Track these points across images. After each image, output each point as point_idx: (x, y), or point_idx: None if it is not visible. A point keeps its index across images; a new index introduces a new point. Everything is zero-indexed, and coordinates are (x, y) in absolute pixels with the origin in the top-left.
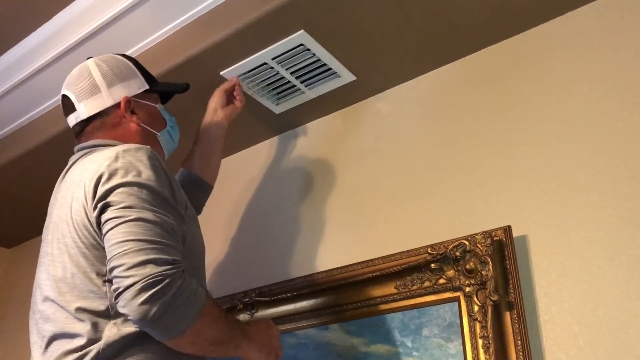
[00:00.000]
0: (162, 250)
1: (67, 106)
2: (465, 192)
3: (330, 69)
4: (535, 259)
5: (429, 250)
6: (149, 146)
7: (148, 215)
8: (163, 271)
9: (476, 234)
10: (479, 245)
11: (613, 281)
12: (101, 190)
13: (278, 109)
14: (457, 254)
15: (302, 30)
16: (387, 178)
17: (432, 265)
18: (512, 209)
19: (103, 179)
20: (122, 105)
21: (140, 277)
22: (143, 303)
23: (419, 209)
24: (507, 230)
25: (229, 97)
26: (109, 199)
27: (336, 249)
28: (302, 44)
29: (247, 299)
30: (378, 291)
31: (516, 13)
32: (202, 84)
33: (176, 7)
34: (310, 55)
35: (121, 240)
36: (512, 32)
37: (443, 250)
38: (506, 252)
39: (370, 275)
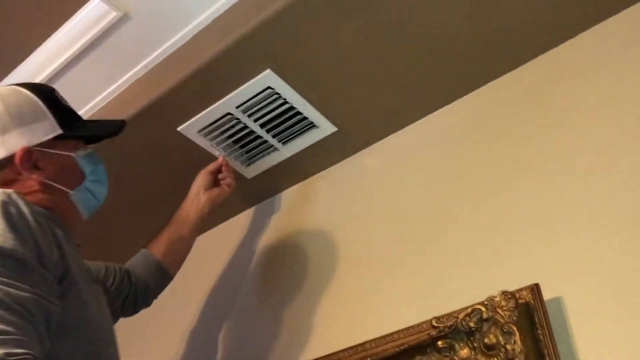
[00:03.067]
0: None
1: None
2: (474, 250)
3: (306, 118)
4: (576, 327)
5: (434, 323)
6: (11, 190)
7: None
8: None
9: (494, 296)
10: (499, 311)
11: None
12: None
13: (249, 172)
14: (471, 324)
15: (268, 70)
16: (378, 244)
17: (439, 342)
18: (537, 264)
19: None
20: (18, 159)
21: None
22: None
23: (419, 276)
24: (535, 289)
25: (216, 180)
26: None
27: (321, 333)
28: (269, 87)
29: None
30: None
31: (511, 47)
32: (158, 143)
33: (121, 61)
34: (281, 102)
35: None
36: (513, 65)
37: (452, 321)
38: (536, 318)
39: None
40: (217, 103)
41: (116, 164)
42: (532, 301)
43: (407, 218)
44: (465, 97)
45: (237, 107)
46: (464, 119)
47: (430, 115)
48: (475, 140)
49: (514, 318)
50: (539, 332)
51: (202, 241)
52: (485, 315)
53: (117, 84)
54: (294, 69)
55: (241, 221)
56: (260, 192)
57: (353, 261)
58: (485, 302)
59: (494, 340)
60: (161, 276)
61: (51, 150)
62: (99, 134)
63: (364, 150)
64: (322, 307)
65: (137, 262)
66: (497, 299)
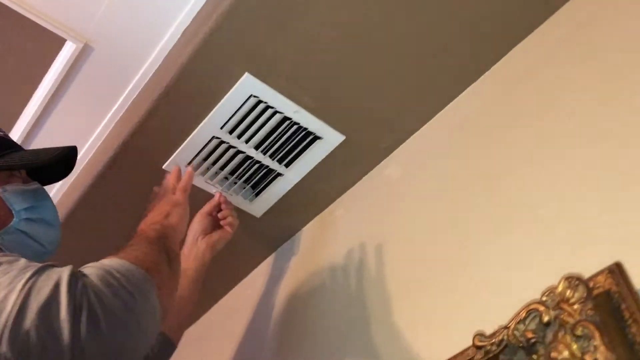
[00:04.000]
0: None
1: None
2: (525, 245)
3: (305, 128)
4: None
5: (477, 342)
6: None
7: None
8: None
9: (554, 287)
10: (565, 307)
11: None
12: None
13: (257, 209)
14: (529, 334)
15: (245, 74)
16: (414, 266)
17: None
18: (613, 242)
19: None
20: None
21: None
22: None
23: (462, 295)
24: (617, 271)
25: (216, 221)
26: None
27: None
28: (252, 96)
29: None
30: None
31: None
32: (145, 187)
33: (97, 101)
34: (271, 112)
35: None
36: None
37: (502, 334)
38: (625, 312)
39: None
40: (198, 127)
41: (100, 216)
42: (614, 287)
43: (445, 225)
44: (495, 67)
45: (221, 128)
46: (492, 94)
47: (459, 97)
48: (514, 118)
49: (589, 313)
50: (633, 330)
51: (219, 309)
52: (546, 317)
53: (100, 128)
54: (275, 66)
55: (260, 274)
56: (275, 234)
57: (386, 295)
58: (544, 298)
59: (566, 353)
60: (161, 345)
61: None
62: (29, 163)
63: (384, 161)
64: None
65: None
66: (560, 288)
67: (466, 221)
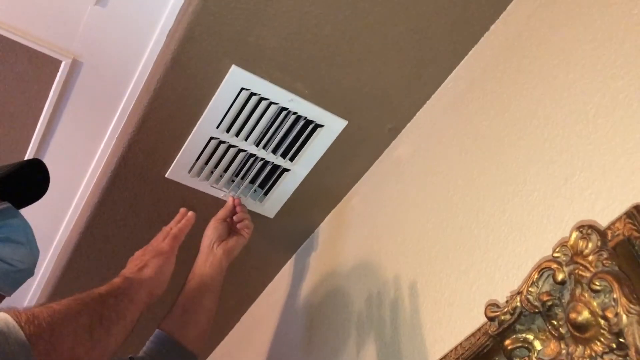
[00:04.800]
0: None
1: None
2: (542, 205)
3: (304, 117)
4: None
5: (489, 313)
6: None
7: None
8: None
9: (566, 240)
10: (580, 260)
11: None
12: None
13: (269, 209)
14: (544, 296)
15: (232, 67)
16: (432, 245)
17: (507, 342)
18: (629, 183)
19: None
20: None
21: None
22: None
23: (482, 268)
24: (636, 214)
25: (231, 226)
26: None
27: None
28: (243, 88)
29: None
30: None
31: None
32: (150, 199)
33: (95, 116)
34: (266, 104)
35: None
36: None
37: (515, 301)
38: None
39: None
40: (194, 129)
41: (111, 234)
42: (634, 233)
43: (460, 198)
44: (494, 26)
45: (217, 127)
46: (505, 52)
47: (462, 63)
48: (520, 77)
49: (605, 263)
50: None
51: (249, 318)
52: (560, 275)
53: (102, 145)
54: (261, 54)
55: (284, 277)
56: (293, 234)
57: (408, 278)
58: (556, 254)
59: (586, 313)
60: (182, 357)
61: None
62: None
63: (392, 143)
64: (379, 339)
65: (150, 348)
66: (572, 241)
67: (480, 189)
